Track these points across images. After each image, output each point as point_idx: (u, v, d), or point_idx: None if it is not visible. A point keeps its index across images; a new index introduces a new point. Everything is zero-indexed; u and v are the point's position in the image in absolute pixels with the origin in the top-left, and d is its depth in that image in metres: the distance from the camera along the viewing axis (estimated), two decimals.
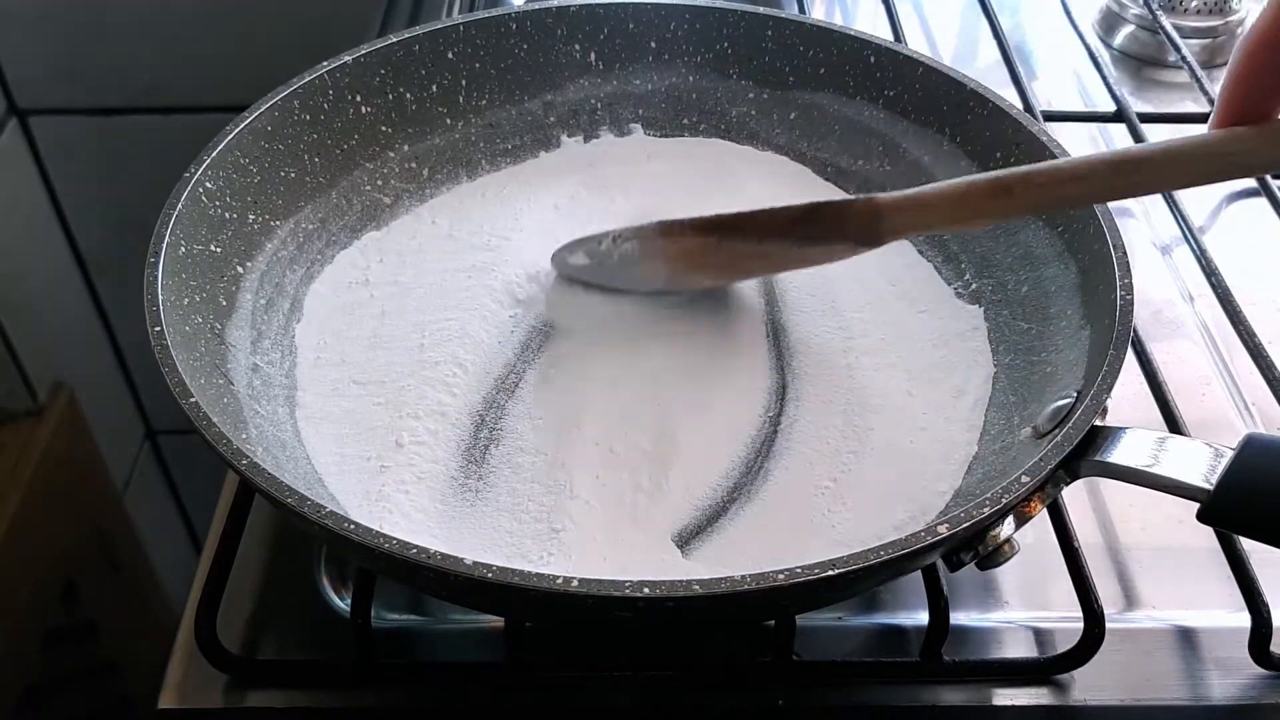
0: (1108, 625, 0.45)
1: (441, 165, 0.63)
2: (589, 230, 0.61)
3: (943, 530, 0.38)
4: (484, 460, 0.50)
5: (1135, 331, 0.54)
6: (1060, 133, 0.65)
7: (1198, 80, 0.74)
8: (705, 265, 0.53)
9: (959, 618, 0.47)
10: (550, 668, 0.46)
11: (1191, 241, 0.62)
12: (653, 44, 0.64)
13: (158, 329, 0.44)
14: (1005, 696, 0.45)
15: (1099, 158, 0.45)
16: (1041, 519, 0.47)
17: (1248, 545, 0.47)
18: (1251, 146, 0.40)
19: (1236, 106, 0.40)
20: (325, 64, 0.58)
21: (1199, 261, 0.60)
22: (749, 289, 0.58)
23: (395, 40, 0.60)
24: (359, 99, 0.60)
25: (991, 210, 0.46)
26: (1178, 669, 0.47)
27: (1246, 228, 0.70)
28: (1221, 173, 0.42)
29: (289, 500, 0.38)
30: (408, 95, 0.61)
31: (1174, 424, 0.52)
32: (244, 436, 0.45)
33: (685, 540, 0.47)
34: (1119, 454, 0.41)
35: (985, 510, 0.38)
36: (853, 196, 0.53)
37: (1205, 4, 0.83)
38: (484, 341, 0.54)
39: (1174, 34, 0.78)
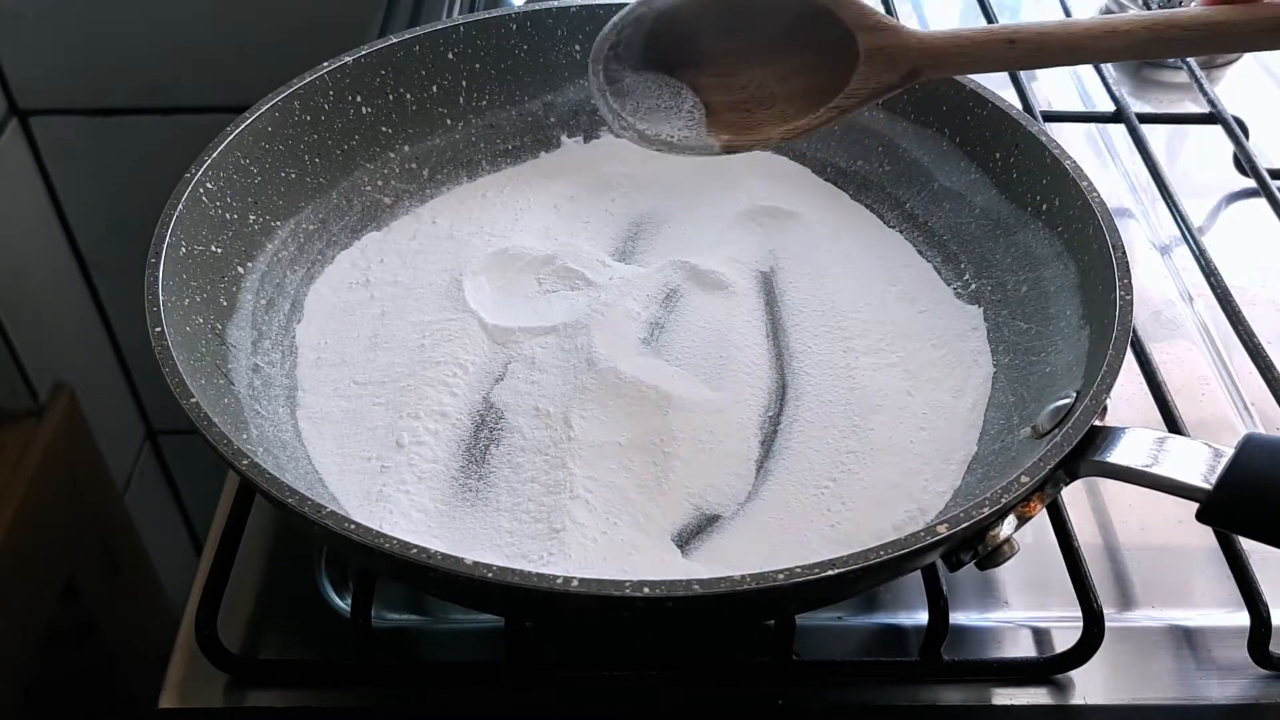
0: (1107, 625, 0.45)
1: (442, 166, 0.63)
2: (589, 230, 0.61)
3: (942, 530, 0.38)
4: (484, 460, 0.50)
5: (1135, 332, 0.54)
6: (1060, 133, 0.65)
7: (1197, 80, 0.74)
8: (747, 110, 0.52)
9: (958, 617, 0.48)
10: (550, 668, 0.46)
11: (1191, 242, 0.62)
12: None
13: (158, 329, 0.45)
14: (1005, 696, 0.46)
15: (1094, 22, 0.47)
16: (1041, 519, 0.47)
17: (1247, 545, 0.47)
18: (1237, 24, 0.44)
19: None
20: (326, 65, 0.58)
21: (1198, 262, 0.60)
22: (749, 289, 0.58)
23: (396, 41, 0.60)
24: (359, 99, 0.60)
25: (999, 58, 0.48)
26: (1177, 669, 0.47)
27: (1246, 228, 0.70)
28: (1206, 46, 0.46)
29: (289, 500, 0.38)
30: (408, 96, 0.61)
31: (1173, 424, 0.52)
32: (244, 437, 0.45)
33: (685, 540, 0.47)
34: (1118, 454, 0.41)
35: (985, 510, 0.38)
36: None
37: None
38: (484, 341, 0.54)
39: None
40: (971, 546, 0.41)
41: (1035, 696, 0.46)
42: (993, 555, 0.41)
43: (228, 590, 0.46)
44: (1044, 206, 0.54)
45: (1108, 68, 0.75)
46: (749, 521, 0.47)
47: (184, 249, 0.50)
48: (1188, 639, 0.48)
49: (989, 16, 0.80)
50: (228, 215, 0.53)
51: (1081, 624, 0.45)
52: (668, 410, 0.50)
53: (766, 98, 0.52)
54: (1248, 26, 0.44)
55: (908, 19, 0.87)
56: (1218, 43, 0.45)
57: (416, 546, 0.37)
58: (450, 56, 0.62)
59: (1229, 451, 0.39)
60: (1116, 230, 0.48)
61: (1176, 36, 0.45)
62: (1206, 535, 0.47)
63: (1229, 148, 0.71)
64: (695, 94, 0.53)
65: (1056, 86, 0.81)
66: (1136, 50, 0.46)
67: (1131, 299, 0.46)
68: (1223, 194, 0.72)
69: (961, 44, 0.48)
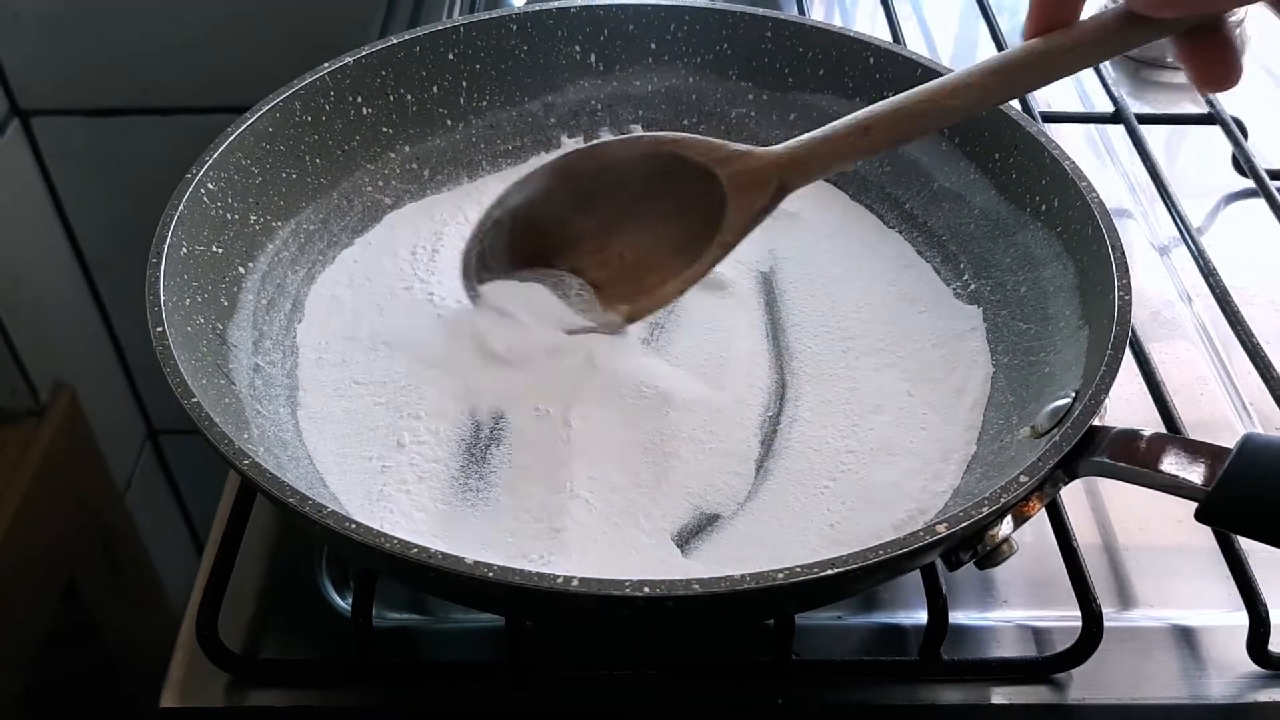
0: (1106, 624, 0.45)
1: (442, 166, 0.63)
2: None
3: (942, 530, 0.38)
4: (485, 460, 0.50)
5: (1133, 332, 0.54)
6: (1059, 133, 0.65)
7: None
8: (635, 284, 0.53)
9: (958, 617, 0.48)
10: (550, 668, 0.46)
11: (1190, 242, 0.62)
12: (653, 45, 0.64)
13: (160, 329, 0.45)
14: (1003, 695, 0.46)
15: (939, 85, 0.46)
16: (1040, 518, 0.47)
17: (1246, 544, 0.48)
18: (1066, 47, 0.44)
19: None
20: (326, 65, 0.58)
21: (1197, 262, 0.60)
22: (749, 289, 0.58)
23: (396, 41, 0.60)
24: (360, 100, 0.60)
25: (859, 149, 0.48)
26: (1176, 668, 0.47)
27: (1245, 228, 0.70)
28: (1044, 77, 0.45)
29: (290, 500, 0.39)
30: (408, 96, 0.61)
31: (1172, 424, 0.52)
32: (245, 436, 0.45)
33: (685, 540, 0.47)
34: (1117, 454, 0.41)
35: (984, 510, 0.38)
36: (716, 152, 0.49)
37: None
38: (485, 341, 0.54)
39: None
40: (971, 546, 0.41)
41: (1034, 696, 0.46)
42: (992, 555, 0.41)
43: (228, 590, 0.46)
44: (1043, 207, 0.54)
45: (1106, 68, 0.75)
46: (749, 521, 0.48)
47: (185, 249, 0.50)
48: (1186, 638, 0.48)
49: (989, 17, 0.80)
50: (229, 215, 0.53)
51: (1080, 623, 0.45)
52: (668, 410, 0.50)
53: (648, 258, 0.52)
54: (1076, 45, 0.44)
55: (907, 20, 0.87)
56: (1054, 69, 0.45)
57: (417, 546, 0.37)
58: (450, 57, 0.62)
59: (1228, 451, 0.39)
60: (1115, 231, 0.49)
61: (1019, 73, 0.45)
62: (1205, 535, 0.47)
63: (1228, 148, 0.71)
64: (577, 276, 0.53)
65: (1056, 87, 0.81)
66: (990, 96, 0.46)
67: (1130, 299, 0.46)
68: (1222, 194, 0.72)
69: (816, 146, 0.48)
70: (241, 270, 0.53)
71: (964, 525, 0.38)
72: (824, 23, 0.63)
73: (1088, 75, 0.80)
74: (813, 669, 0.46)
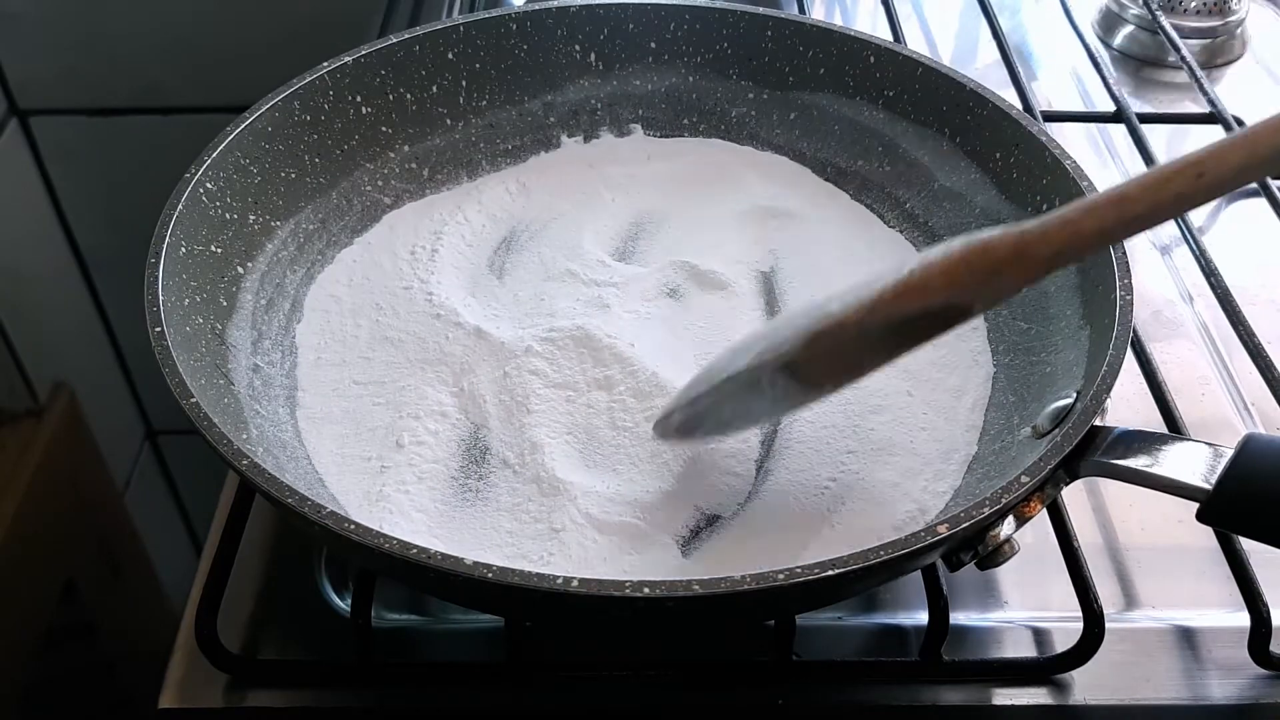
0: (1107, 625, 0.45)
1: (442, 166, 0.63)
2: (589, 230, 0.61)
3: (942, 530, 0.38)
4: (484, 460, 0.50)
5: (1135, 332, 0.54)
6: (1060, 133, 0.65)
7: (1197, 80, 0.74)
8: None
9: (959, 617, 0.47)
10: (550, 668, 0.46)
11: (1191, 242, 0.62)
12: (653, 44, 0.64)
13: (158, 329, 0.45)
14: (1005, 696, 0.46)
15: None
16: (1041, 519, 0.47)
17: (1247, 545, 0.47)
18: None
19: None
20: (325, 64, 0.58)
21: (1198, 262, 0.60)
22: (749, 289, 0.58)
23: (395, 41, 0.60)
24: (359, 99, 0.60)
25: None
26: (1177, 669, 0.47)
27: (1246, 228, 0.70)
28: None
29: (289, 500, 0.38)
30: (408, 96, 0.61)
31: (1173, 424, 0.52)
32: (244, 437, 0.45)
33: (685, 540, 0.47)
34: (1119, 454, 0.41)
35: (985, 510, 0.38)
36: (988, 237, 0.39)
37: (1205, 4, 0.83)
38: (484, 342, 0.54)
39: (1174, 34, 0.78)
40: (972, 546, 0.41)
41: (1035, 696, 0.46)
42: (993, 555, 0.41)
43: (227, 590, 0.46)
44: (1044, 206, 0.53)
45: (1107, 67, 0.75)
46: (749, 521, 0.47)
47: (184, 249, 0.50)
48: (1188, 639, 0.48)
49: (989, 16, 0.80)
50: (227, 215, 0.53)
51: (1082, 624, 0.45)
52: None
53: None
54: None
55: (907, 20, 0.87)
56: None
57: (416, 546, 0.37)
58: (450, 56, 0.62)
59: (1229, 451, 0.39)
60: None
61: None
62: (1206, 535, 0.47)
63: None
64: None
65: (1057, 87, 0.81)
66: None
67: (1131, 299, 0.46)
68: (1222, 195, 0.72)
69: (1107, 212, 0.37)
70: (240, 270, 0.53)
71: (965, 526, 0.38)
72: (824, 21, 0.63)
73: (1088, 74, 0.80)
74: (813, 669, 0.46)
